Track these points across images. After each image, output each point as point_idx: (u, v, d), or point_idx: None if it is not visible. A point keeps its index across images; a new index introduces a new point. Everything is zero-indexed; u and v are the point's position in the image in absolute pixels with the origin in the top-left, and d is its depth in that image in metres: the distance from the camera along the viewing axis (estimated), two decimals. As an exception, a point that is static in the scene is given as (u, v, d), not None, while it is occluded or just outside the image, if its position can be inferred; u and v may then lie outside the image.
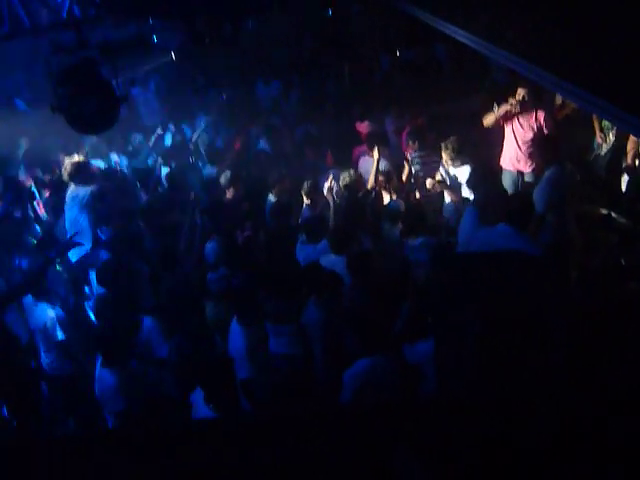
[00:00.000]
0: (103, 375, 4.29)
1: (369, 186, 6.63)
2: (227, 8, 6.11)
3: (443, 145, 6.45)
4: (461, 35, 4.38)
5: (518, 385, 2.53)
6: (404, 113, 8.54)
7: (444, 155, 6.46)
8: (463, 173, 6.42)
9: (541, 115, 6.54)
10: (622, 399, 2.37)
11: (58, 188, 7.39)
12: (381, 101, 9.11)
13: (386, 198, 6.39)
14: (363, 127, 8.63)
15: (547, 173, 5.53)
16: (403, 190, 6.60)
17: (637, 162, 6.78)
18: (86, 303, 6.14)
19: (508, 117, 6.63)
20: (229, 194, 6.92)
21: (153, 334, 4.83)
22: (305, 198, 6.37)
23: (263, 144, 8.74)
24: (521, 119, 6.63)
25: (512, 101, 6.50)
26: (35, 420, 5.09)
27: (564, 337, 3.29)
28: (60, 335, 5.22)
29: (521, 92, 6.44)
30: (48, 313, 5.22)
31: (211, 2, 5.68)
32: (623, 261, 4.82)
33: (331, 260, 5.11)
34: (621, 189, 6.92)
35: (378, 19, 8.96)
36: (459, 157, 6.39)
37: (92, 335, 4.78)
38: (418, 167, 7.02)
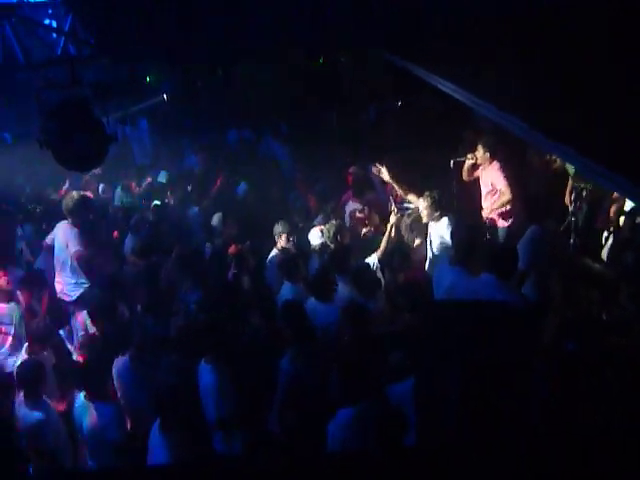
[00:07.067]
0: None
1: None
2: (221, 55, 6.20)
3: (423, 196, 6.24)
4: (451, 88, 4.48)
5: (499, 434, 2.50)
6: (391, 162, 8.59)
7: (423, 206, 6.22)
8: (440, 227, 6.17)
9: (494, 168, 6.62)
10: (601, 448, 2.37)
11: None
12: (369, 149, 9.20)
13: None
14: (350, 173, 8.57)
15: (529, 231, 5.57)
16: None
17: (618, 219, 6.88)
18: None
19: (475, 170, 6.83)
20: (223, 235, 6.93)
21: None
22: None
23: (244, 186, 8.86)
24: (482, 173, 6.80)
25: (470, 155, 6.73)
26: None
27: (545, 387, 3.28)
28: None
29: (480, 148, 6.64)
30: None
31: (206, 49, 5.76)
32: (604, 316, 4.83)
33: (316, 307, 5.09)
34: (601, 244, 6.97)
35: (369, 69, 9.11)
36: (439, 209, 6.15)
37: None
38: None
